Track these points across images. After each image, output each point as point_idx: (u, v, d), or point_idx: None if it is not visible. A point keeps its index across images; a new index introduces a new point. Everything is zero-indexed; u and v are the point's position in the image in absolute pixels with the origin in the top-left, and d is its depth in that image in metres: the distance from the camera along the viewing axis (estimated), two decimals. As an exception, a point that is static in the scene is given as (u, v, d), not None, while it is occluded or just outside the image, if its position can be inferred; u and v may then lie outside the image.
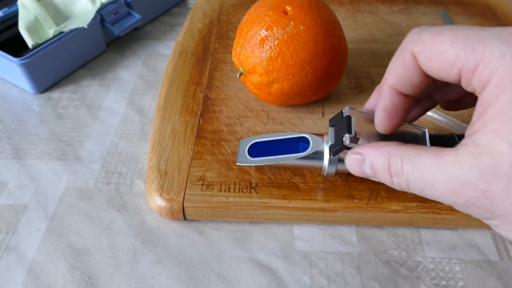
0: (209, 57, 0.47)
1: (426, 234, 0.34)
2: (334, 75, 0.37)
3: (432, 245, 0.33)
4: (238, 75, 0.38)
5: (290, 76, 0.35)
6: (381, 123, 0.28)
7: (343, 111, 0.31)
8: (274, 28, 0.35)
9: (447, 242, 0.33)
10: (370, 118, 0.31)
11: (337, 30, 0.36)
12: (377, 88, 0.31)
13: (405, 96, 0.27)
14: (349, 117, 0.30)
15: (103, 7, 0.50)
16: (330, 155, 0.32)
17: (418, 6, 0.55)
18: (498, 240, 0.34)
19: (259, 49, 0.35)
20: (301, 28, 0.34)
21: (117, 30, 0.50)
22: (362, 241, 0.33)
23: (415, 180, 0.24)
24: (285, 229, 0.34)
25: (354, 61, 0.46)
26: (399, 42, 0.26)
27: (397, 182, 0.26)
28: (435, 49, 0.23)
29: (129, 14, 0.52)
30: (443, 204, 0.33)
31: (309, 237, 0.34)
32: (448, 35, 0.23)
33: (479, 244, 0.33)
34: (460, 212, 0.33)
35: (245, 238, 0.34)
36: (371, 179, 0.28)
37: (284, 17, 0.35)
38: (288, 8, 0.35)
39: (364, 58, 0.47)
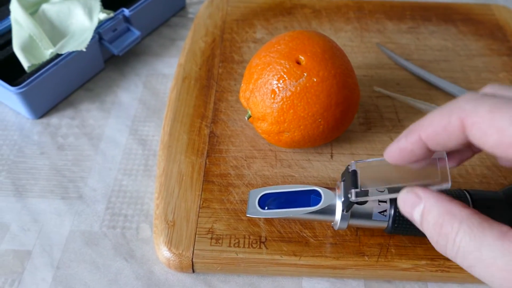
0: (213, 84, 0.45)
1: (433, 288, 0.34)
2: (345, 122, 0.36)
3: (439, 300, 0.34)
4: (246, 118, 0.37)
5: (301, 127, 0.34)
6: (391, 158, 0.27)
7: (349, 165, 0.31)
8: (287, 79, 0.33)
9: (454, 297, 0.34)
10: (377, 164, 0.30)
11: (351, 78, 0.35)
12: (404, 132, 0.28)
13: (429, 150, 0.26)
14: (354, 172, 0.30)
15: (100, 24, 0.48)
16: (343, 211, 0.32)
17: (426, 24, 0.53)
18: (503, 294, 0.34)
19: (270, 99, 0.34)
20: (315, 80, 0.33)
21: (116, 49, 0.48)
22: (370, 296, 0.34)
23: (467, 253, 0.22)
24: (294, 282, 0.34)
25: (362, 91, 0.45)
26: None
27: (443, 245, 0.23)
28: (493, 125, 0.22)
29: (128, 30, 0.50)
30: (452, 262, 0.33)
31: (318, 291, 0.34)
32: (509, 113, 0.21)
33: (484, 299, 0.34)
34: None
35: (254, 292, 0.34)
36: (415, 224, 0.26)
37: (297, 68, 0.34)
38: (301, 57, 0.34)
39: (372, 87, 0.46)
